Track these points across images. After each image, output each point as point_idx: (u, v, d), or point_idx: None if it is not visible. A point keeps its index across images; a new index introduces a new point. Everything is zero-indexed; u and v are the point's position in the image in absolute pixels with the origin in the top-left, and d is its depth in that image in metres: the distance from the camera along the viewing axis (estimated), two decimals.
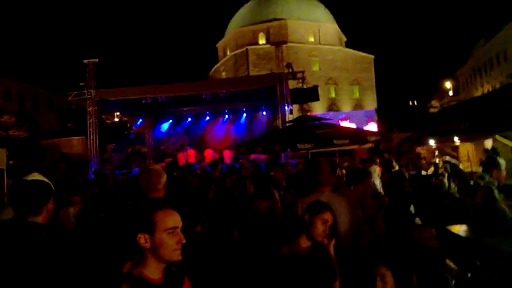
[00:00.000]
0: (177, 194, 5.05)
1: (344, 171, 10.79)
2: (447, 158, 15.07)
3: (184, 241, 2.09)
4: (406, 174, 9.18)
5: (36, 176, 2.79)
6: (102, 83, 21.54)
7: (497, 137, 11.92)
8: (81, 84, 20.80)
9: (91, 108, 21.18)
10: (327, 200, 3.62)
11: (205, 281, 3.29)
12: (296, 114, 26.72)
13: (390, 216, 5.30)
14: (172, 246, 2.06)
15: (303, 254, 2.95)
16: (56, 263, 2.57)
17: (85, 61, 21.01)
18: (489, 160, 12.01)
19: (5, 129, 31.94)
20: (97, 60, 21.10)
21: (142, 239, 2.03)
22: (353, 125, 31.50)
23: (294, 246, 2.99)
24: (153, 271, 2.07)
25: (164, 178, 3.50)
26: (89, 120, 21.34)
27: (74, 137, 31.43)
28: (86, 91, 20.70)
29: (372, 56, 54.79)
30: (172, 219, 2.09)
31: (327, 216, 3.01)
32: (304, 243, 3.00)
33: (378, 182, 10.60)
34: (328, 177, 4.08)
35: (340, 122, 31.88)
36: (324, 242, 3.01)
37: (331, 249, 3.06)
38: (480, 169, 12.16)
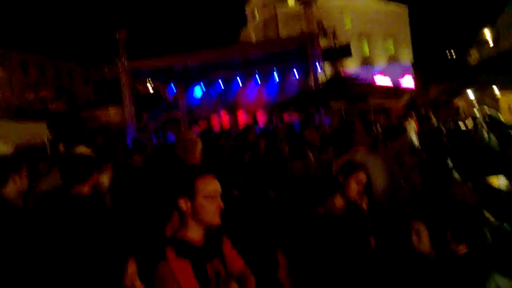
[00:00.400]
0: (213, 160, 5.15)
1: (380, 129, 10.64)
2: (486, 108, 14.50)
3: (223, 207, 2.18)
4: (444, 129, 8.99)
5: (82, 149, 2.98)
6: (133, 54, 21.83)
7: None
8: (113, 56, 21.14)
9: (125, 79, 21.53)
10: (362, 159, 3.64)
11: (244, 239, 3.39)
12: (329, 73, 26.28)
13: (428, 171, 5.26)
14: (211, 211, 2.15)
15: (338, 212, 3.01)
16: (98, 228, 2.74)
17: (115, 32, 21.24)
18: None
19: (44, 103, 32.99)
20: (127, 31, 21.30)
21: (183, 204, 2.14)
22: (387, 79, 30.80)
23: (329, 205, 3.04)
24: (194, 234, 2.18)
25: (200, 146, 3.62)
26: (123, 91, 21.74)
27: (110, 107, 32.15)
28: (118, 62, 21.02)
29: (406, 6, 52.71)
30: (212, 186, 2.19)
31: (361, 176, 3.03)
32: (339, 202, 3.05)
33: (414, 137, 10.44)
34: (363, 137, 4.07)
35: (374, 77, 31.21)
36: (357, 201, 3.05)
37: (364, 207, 3.10)
38: None
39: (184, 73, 23.85)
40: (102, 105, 34.07)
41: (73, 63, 51.68)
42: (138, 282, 1.92)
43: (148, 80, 34.70)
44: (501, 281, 2.14)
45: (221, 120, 24.12)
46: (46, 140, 9.14)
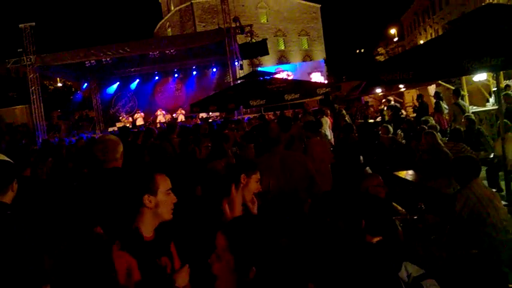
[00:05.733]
0: (135, 161, 5.04)
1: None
2: (392, 102, 15.50)
3: (176, 201, 2.36)
4: (354, 125, 9.50)
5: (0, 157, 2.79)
6: (42, 48, 20.55)
7: (440, 81, 12.46)
8: (19, 50, 19.71)
9: (32, 75, 20.21)
10: (282, 158, 3.78)
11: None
12: (246, 68, 26.61)
13: (340, 168, 5.55)
14: (169, 206, 2.34)
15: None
16: (23, 240, 2.61)
17: (21, 25, 19.82)
18: (422, 105, 12.77)
19: None
20: (34, 24, 19.98)
21: (147, 200, 2.27)
22: (302, 75, 31.89)
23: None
24: (148, 230, 2.30)
25: (121, 147, 3.47)
26: (31, 87, 20.37)
27: (17, 106, 29.92)
28: (25, 57, 19.67)
29: (319, 5, 54.68)
30: (168, 182, 2.36)
31: (259, 176, 3.17)
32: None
33: (329, 133, 10.96)
34: (279, 136, 4.20)
35: (289, 73, 32.12)
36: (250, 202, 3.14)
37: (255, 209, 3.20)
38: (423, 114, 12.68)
39: (97, 68, 22.87)
40: (8, 104, 31.57)
41: None
42: None
43: (58, 77, 32.85)
44: (411, 269, 2.35)
45: (135, 119, 23.40)
46: None
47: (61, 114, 30.92)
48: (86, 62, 20.64)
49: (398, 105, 15.44)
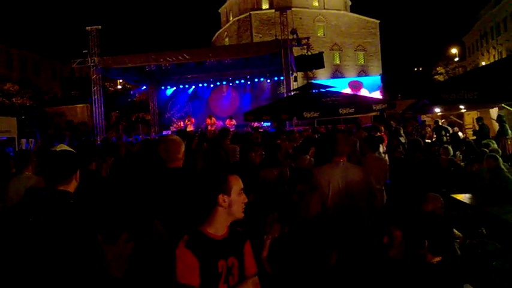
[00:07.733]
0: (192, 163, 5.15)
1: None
2: (440, 122, 14.91)
3: (246, 200, 2.42)
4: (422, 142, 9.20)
5: (64, 147, 2.91)
6: (105, 51, 21.47)
7: (503, 105, 11.94)
8: (84, 51, 20.71)
9: (95, 76, 21.15)
10: (344, 169, 3.76)
11: None
12: (300, 81, 26.61)
13: (399, 185, 5.42)
14: (240, 206, 2.40)
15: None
16: (87, 229, 2.70)
17: (88, 28, 20.88)
18: (482, 128, 12.24)
19: (8, 97, 31.87)
20: (100, 27, 20.97)
21: (221, 199, 2.35)
22: (357, 91, 31.47)
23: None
24: (219, 229, 2.38)
25: (183, 148, 3.60)
26: (93, 88, 21.35)
27: (78, 105, 31.43)
28: (89, 59, 20.63)
29: (377, 21, 53.86)
30: (241, 183, 2.44)
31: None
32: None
33: (381, 150, 10.72)
34: (344, 147, 4.16)
35: (344, 88, 31.81)
36: None
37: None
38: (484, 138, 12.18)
39: (156, 73, 23.59)
40: (69, 102, 33.23)
41: (40, 56, 49.92)
42: None
43: (119, 79, 34.16)
44: None
45: (186, 124, 23.81)
46: (15, 136, 8.88)
47: (119, 115, 32.14)
48: (146, 66, 21.35)
49: (449, 127, 14.90)
